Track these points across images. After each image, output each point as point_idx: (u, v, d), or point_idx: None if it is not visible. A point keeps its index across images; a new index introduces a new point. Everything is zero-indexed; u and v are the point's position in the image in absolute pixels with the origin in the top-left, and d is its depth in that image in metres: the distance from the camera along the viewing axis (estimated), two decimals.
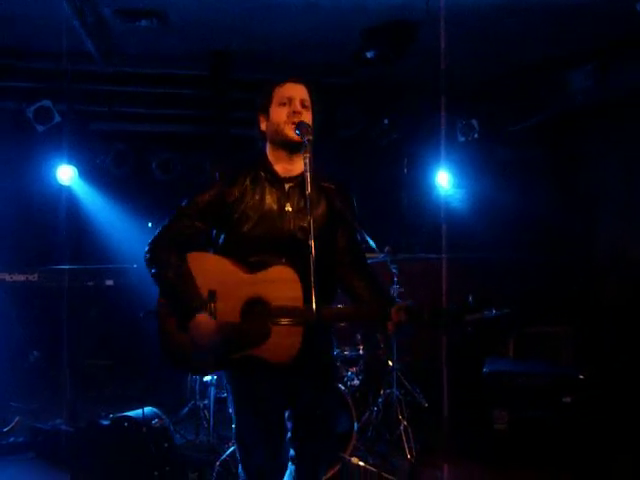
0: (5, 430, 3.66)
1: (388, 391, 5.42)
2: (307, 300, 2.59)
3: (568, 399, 4.94)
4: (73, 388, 6.01)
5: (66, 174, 6.94)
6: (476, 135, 6.86)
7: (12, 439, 5.13)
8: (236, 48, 6.37)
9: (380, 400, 5.43)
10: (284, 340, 2.70)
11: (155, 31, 5.67)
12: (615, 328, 6.26)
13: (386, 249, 5.33)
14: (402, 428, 5.15)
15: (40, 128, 6.55)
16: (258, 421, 2.83)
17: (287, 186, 2.89)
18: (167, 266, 2.80)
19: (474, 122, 6.88)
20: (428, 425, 5.59)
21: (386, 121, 7.11)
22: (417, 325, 2.74)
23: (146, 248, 2.88)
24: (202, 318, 2.72)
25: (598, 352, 6.19)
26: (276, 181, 2.89)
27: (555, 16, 5.37)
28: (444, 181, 7.22)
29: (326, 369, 2.95)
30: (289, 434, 2.91)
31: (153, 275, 2.85)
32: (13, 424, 3.69)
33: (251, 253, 2.82)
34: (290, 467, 2.95)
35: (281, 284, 2.73)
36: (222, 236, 2.92)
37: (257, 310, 2.75)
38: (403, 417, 5.23)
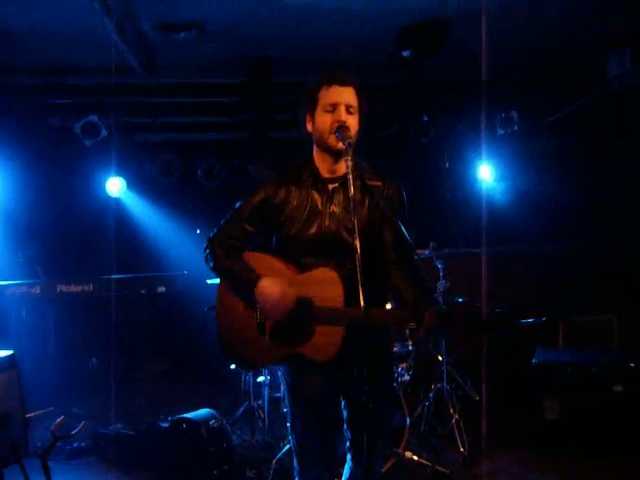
0: (73, 433, 3.81)
1: (439, 385, 5.44)
2: (354, 300, 2.62)
3: (619, 387, 4.92)
4: (131, 393, 6.20)
5: (115, 186, 7.13)
6: (515, 127, 6.83)
7: (76, 444, 5.33)
8: (273, 53, 6.48)
9: (431, 395, 5.46)
10: (326, 339, 2.79)
11: (194, 42, 5.80)
12: None
13: (431, 245, 5.37)
14: (454, 422, 5.19)
15: (88, 143, 6.74)
16: (311, 413, 2.92)
17: (331, 187, 2.93)
18: (224, 258, 2.94)
19: (514, 114, 6.86)
20: (480, 418, 5.60)
21: (425, 117, 7.14)
22: (449, 329, 2.75)
23: (204, 246, 3.02)
24: (265, 282, 2.83)
25: None
26: (320, 183, 2.93)
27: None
28: (486, 174, 7.21)
29: (381, 365, 2.97)
30: (345, 423, 2.99)
31: (212, 268, 2.99)
32: (80, 427, 3.83)
33: (302, 254, 2.90)
34: (348, 457, 3.03)
35: (324, 285, 2.82)
36: (274, 238, 3.02)
37: (304, 309, 2.83)
38: (454, 411, 5.27)
